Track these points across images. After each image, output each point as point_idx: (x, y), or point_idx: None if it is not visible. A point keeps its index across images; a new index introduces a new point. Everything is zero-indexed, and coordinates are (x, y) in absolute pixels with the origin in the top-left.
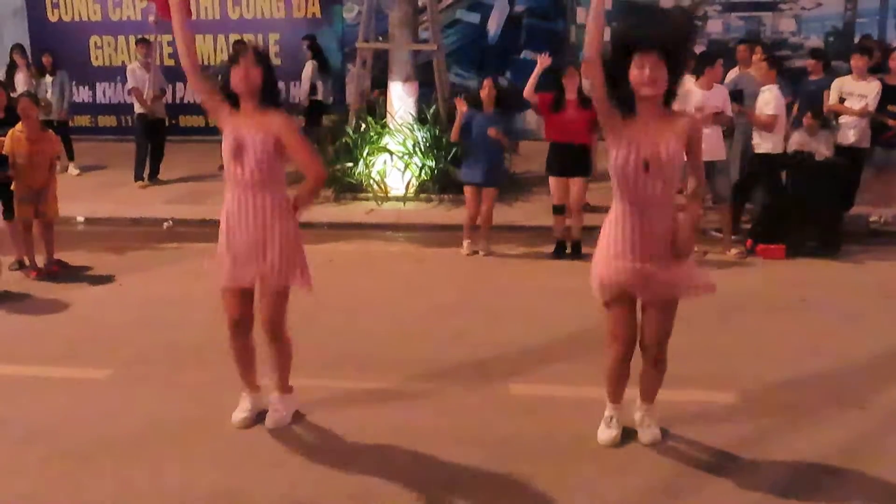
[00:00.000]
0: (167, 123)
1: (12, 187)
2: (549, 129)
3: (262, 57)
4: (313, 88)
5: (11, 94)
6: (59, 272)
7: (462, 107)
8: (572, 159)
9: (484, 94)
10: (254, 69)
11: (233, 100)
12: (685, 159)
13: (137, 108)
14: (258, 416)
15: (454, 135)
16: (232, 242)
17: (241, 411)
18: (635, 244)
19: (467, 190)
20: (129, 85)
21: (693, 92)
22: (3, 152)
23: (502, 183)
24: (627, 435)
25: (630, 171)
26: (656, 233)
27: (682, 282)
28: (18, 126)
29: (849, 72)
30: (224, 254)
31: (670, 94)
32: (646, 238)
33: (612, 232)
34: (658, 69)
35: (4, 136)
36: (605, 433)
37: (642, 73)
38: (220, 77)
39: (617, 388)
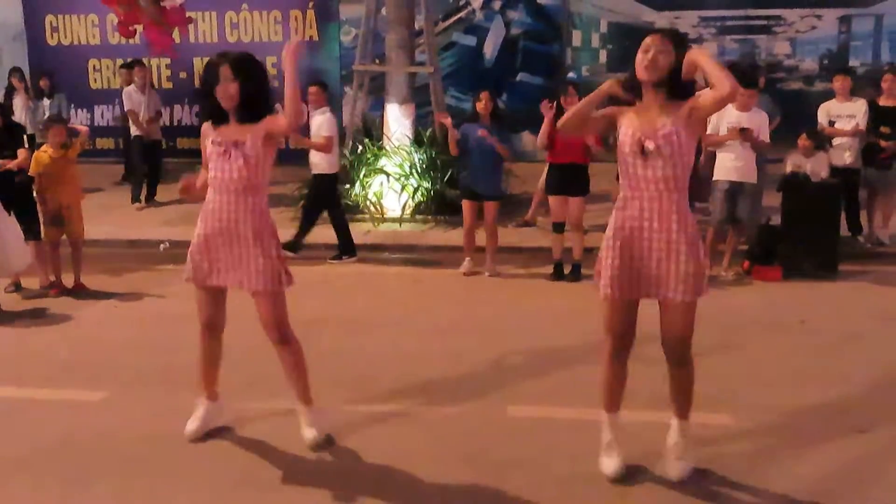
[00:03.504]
0: (164, 146)
1: (38, 208)
2: (551, 152)
3: (239, 70)
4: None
5: (12, 117)
6: (85, 290)
7: (445, 120)
8: (571, 178)
9: (480, 106)
10: (231, 84)
11: (223, 114)
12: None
13: (134, 131)
14: (211, 431)
15: (452, 149)
16: (210, 246)
17: (194, 420)
18: (632, 245)
19: (464, 204)
20: (126, 107)
21: (728, 112)
22: (30, 174)
23: (503, 196)
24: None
25: (627, 151)
26: (655, 228)
27: (672, 282)
28: (44, 147)
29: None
30: (198, 255)
31: (675, 85)
32: (642, 236)
33: (612, 228)
34: (660, 54)
35: (3, 159)
36: (607, 464)
37: (644, 56)
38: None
39: (611, 390)
